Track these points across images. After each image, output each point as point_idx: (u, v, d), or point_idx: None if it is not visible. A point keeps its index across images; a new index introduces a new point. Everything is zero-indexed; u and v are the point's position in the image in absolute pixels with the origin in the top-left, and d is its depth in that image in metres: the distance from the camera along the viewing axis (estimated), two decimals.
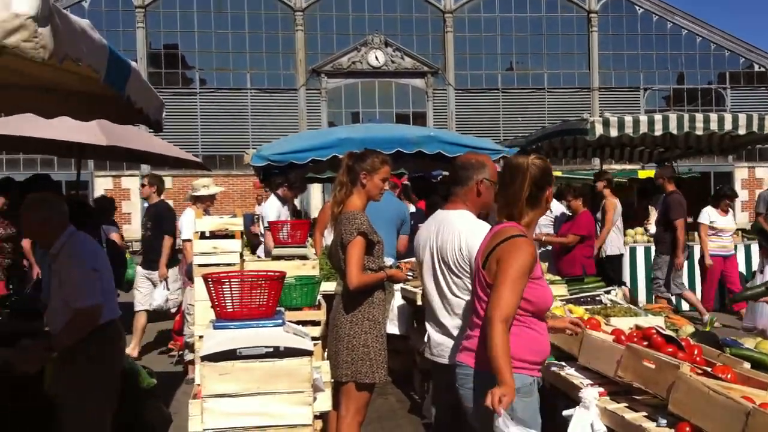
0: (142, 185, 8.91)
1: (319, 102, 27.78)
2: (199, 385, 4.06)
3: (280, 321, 3.45)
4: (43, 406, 4.41)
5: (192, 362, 6.83)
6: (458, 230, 3.78)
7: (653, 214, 11.37)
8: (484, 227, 3.70)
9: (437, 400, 4.25)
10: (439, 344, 3.91)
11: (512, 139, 16.04)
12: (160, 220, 8.50)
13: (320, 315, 5.15)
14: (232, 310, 3.40)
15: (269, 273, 3.54)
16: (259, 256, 8.28)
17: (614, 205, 9.84)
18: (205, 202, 8.03)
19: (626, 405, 3.36)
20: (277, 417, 3.19)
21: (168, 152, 9.54)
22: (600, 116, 10.04)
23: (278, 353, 3.22)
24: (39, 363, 4.16)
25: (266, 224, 8.03)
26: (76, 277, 4.10)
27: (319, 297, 5.35)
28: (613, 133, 9.83)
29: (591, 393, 3.33)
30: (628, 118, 9.95)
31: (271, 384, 3.19)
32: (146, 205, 9.02)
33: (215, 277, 3.43)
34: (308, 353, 3.28)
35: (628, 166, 20.92)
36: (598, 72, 29.53)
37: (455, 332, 3.80)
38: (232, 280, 3.41)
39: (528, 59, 29.56)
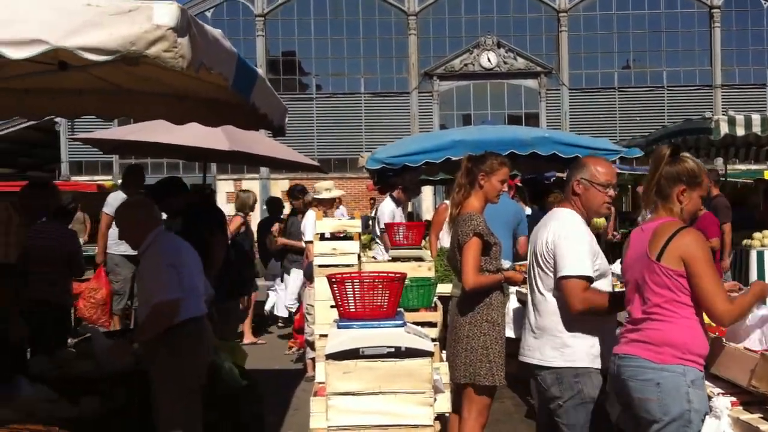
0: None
1: (431, 105, 27.81)
2: (319, 383, 4.16)
3: (401, 322, 3.50)
4: None
5: (313, 360, 6.98)
6: (550, 225, 3.76)
7: None
8: (576, 226, 3.68)
9: (537, 401, 4.20)
10: (528, 345, 3.89)
11: (630, 139, 15.59)
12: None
13: (437, 317, 5.17)
14: (354, 310, 3.47)
15: (390, 274, 3.59)
16: (374, 257, 8.39)
17: None
18: (326, 205, 8.20)
19: (761, 416, 3.21)
20: (399, 416, 3.24)
21: (287, 156, 9.77)
22: (724, 114, 9.64)
23: (399, 353, 3.27)
24: (123, 356, 4.44)
25: (382, 225, 8.13)
26: (154, 272, 4.25)
27: (435, 299, 5.37)
28: (740, 132, 9.42)
29: (723, 402, 3.21)
30: (756, 117, 9.50)
31: (393, 383, 3.24)
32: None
33: (338, 277, 3.51)
34: (429, 354, 3.31)
35: (753, 166, 19.98)
36: (721, 69, 28.25)
37: (537, 332, 3.78)
38: (354, 280, 3.49)
39: (646, 57, 28.61)
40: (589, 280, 3.57)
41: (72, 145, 25.68)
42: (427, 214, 22.19)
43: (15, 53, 2.60)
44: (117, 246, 8.49)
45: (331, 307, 3.92)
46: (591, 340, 3.63)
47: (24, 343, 5.50)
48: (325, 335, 4.19)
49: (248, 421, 5.47)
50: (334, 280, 3.49)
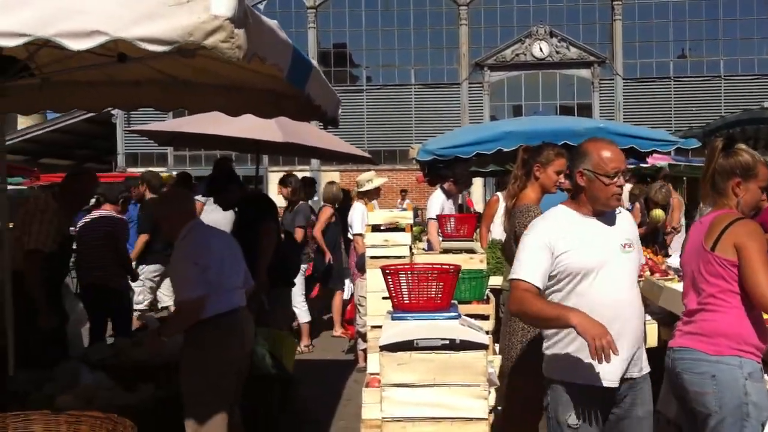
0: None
1: (482, 95, 27.64)
2: (371, 374, 4.16)
3: (456, 314, 3.47)
4: None
5: (364, 351, 6.96)
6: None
7: None
8: (539, 224, 3.33)
9: None
10: None
11: (686, 129, 15.27)
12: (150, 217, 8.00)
13: (489, 309, 5.14)
14: (408, 301, 3.46)
15: (445, 266, 3.57)
16: (425, 249, 8.34)
17: (681, 203, 9.24)
18: (372, 196, 8.18)
19: None
20: (453, 409, 3.22)
21: (338, 148, 9.79)
22: None
23: (453, 346, 3.25)
24: (152, 347, 4.52)
25: (432, 216, 8.08)
26: (178, 270, 4.26)
27: (488, 291, 5.34)
28: None
29: None
30: None
31: (447, 376, 3.22)
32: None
33: (392, 269, 3.49)
34: (484, 347, 3.29)
35: None
36: None
37: None
38: (408, 272, 3.47)
39: (702, 46, 27.98)
40: (531, 284, 3.14)
41: (128, 137, 26.19)
42: (477, 205, 22.06)
43: (75, 45, 2.63)
44: None
45: (384, 298, 3.91)
46: (566, 352, 3.23)
47: (60, 327, 5.61)
48: (378, 326, 4.19)
49: (277, 410, 5.43)
50: (388, 271, 3.48)
